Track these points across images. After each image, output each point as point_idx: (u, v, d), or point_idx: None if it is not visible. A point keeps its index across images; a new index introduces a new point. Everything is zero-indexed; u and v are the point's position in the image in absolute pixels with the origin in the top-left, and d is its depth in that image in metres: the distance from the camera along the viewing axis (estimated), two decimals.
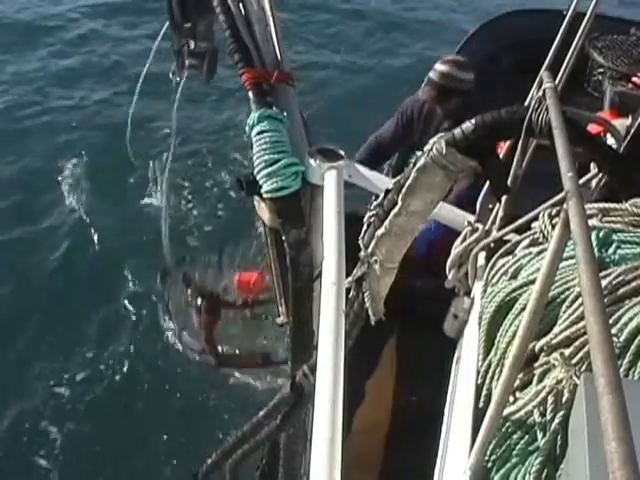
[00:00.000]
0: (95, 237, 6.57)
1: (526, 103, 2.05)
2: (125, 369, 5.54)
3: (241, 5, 2.44)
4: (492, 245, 1.96)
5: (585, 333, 1.36)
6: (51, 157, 7.60)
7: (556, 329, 1.46)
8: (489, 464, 1.40)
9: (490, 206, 2.16)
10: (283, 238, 2.28)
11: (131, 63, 9.24)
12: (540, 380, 1.42)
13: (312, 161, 2.32)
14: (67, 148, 7.77)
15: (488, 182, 2.02)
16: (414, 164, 1.79)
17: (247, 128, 2.29)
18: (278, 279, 2.63)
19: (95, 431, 5.07)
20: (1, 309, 5.81)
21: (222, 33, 2.41)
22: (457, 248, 2.04)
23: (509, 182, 2.01)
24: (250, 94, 2.32)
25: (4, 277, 6.06)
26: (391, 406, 3.68)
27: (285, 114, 2.32)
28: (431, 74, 4.18)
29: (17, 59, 9.44)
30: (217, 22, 2.46)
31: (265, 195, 2.25)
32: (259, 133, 2.25)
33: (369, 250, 1.93)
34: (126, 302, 6.01)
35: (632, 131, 2.07)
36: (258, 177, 2.24)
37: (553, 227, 1.69)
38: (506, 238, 1.90)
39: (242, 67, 2.32)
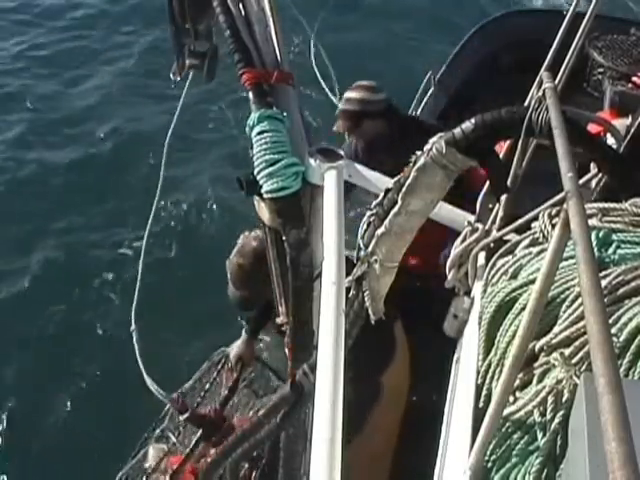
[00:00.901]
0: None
1: (526, 103, 2.05)
2: (127, 365, 5.54)
3: (241, 5, 2.44)
4: (492, 245, 1.96)
5: (585, 333, 1.36)
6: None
7: (556, 329, 1.46)
8: (489, 464, 1.40)
9: (490, 206, 2.16)
10: (283, 238, 2.28)
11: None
12: (540, 380, 1.42)
13: (312, 161, 2.32)
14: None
15: (488, 182, 2.02)
16: (414, 163, 1.79)
17: (247, 129, 2.29)
18: (278, 279, 2.63)
19: (94, 431, 5.07)
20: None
21: (222, 33, 2.41)
22: (457, 248, 2.04)
23: (509, 182, 2.01)
24: (250, 94, 2.32)
25: None
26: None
27: (285, 114, 2.32)
28: (339, 105, 4.08)
29: None
30: (217, 22, 2.46)
31: (265, 195, 2.25)
32: (259, 133, 2.24)
33: (369, 249, 1.93)
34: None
35: (632, 131, 2.07)
36: (258, 177, 2.24)
37: (553, 227, 1.69)
38: (506, 238, 1.90)
39: (242, 67, 2.31)
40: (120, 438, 4.76)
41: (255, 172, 2.25)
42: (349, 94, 4.06)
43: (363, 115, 3.99)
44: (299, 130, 2.43)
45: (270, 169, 2.22)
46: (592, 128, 2.19)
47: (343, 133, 4.11)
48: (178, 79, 3.03)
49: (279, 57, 2.45)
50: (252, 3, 2.44)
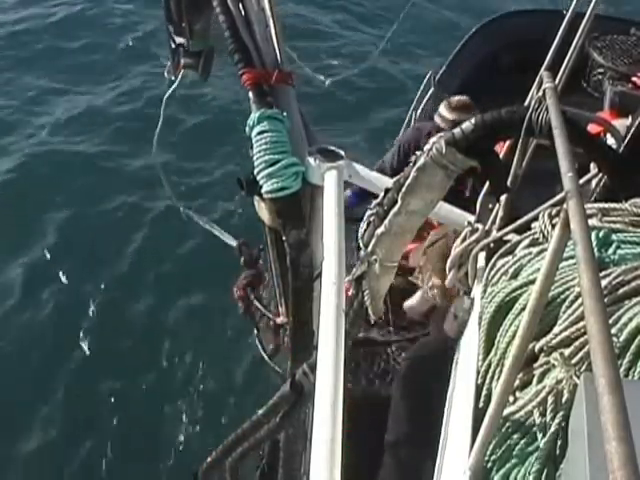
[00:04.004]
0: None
1: (526, 103, 2.05)
2: (130, 366, 5.54)
3: (241, 5, 2.44)
4: (492, 245, 1.96)
5: (585, 333, 1.36)
6: None
7: (556, 329, 1.46)
8: (489, 464, 1.40)
9: (490, 206, 2.15)
10: (283, 238, 2.28)
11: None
12: (540, 380, 1.42)
13: (312, 161, 2.32)
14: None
15: (488, 182, 2.02)
16: (414, 163, 1.79)
17: (247, 128, 2.29)
18: (278, 279, 2.63)
19: (93, 431, 5.07)
20: None
21: (221, 33, 2.41)
22: (457, 248, 2.04)
23: (509, 182, 2.01)
24: (250, 94, 2.32)
25: None
26: None
27: (285, 114, 2.32)
28: (440, 122, 4.02)
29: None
30: (217, 22, 2.46)
31: (265, 195, 2.25)
32: (259, 133, 2.24)
33: (369, 249, 1.93)
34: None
35: (632, 131, 2.07)
36: (258, 177, 2.24)
37: (553, 227, 1.69)
38: (506, 238, 1.90)
39: (242, 67, 2.32)
40: None
41: (255, 172, 2.26)
42: (451, 115, 3.99)
43: None
44: (299, 130, 2.43)
45: (270, 169, 2.22)
46: (592, 128, 2.19)
47: None
48: (173, 78, 3.02)
49: (279, 57, 2.46)
50: (252, 3, 2.44)
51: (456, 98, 4.17)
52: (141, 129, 7.87)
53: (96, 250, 6.50)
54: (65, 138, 7.88)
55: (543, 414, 1.35)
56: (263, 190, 2.24)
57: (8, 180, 7.18)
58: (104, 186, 7.22)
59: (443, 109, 4.11)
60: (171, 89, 3.06)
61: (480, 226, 2.04)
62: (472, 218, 2.21)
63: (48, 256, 6.38)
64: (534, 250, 1.72)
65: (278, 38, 2.48)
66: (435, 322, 3.19)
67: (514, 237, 1.87)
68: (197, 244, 6.28)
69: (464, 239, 2.04)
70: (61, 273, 6.21)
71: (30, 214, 6.78)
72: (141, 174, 7.14)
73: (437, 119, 4.12)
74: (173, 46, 2.94)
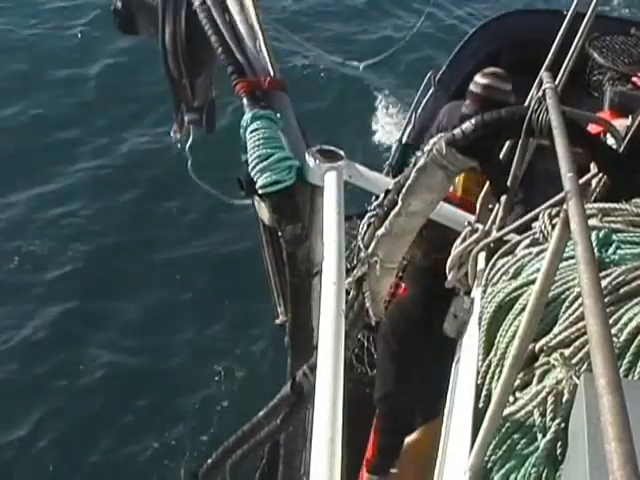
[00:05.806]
0: None
1: (526, 103, 2.05)
2: (133, 366, 5.54)
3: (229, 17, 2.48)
4: (492, 245, 1.96)
5: (585, 333, 1.36)
6: None
7: (556, 329, 1.46)
8: (489, 464, 1.40)
9: (490, 206, 2.15)
10: (279, 234, 2.27)
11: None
12: (540, 380, 1.42)
13: (312, 162, 2.31)
14: None
15: (488, 182, 2.02)
16: (414, 164, 1.79)
17: (241, 130, 2.29)
18: (275, 278, 2.62)
19: (94, 431, 5.07)
20: None
21: (216, 52, 2.43)
22: (457, 248, 2.04)
23: (509, 182, 2.01)
24: (244, 100, 2.33)
25: None
26: None
27: (279, 115, 2.32)
28: (472, 87, 4.07)
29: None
30: (209, 40, 2.47)
31: (260, 191, 2.22)
32: (253, 131, 2.24)
33: (369, 250, 1.93)
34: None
35: (632, 131, 2.07)
36: (252, 173, 2.22)
37: (553, 227, 1.69)
38: (506, 238, 1.90)
39: (235, 78, 2.33)
40: None
41: (249, 169, 2.24)
42: (483, 80, 4.04)
43: (491, 104, 3.91)
44: (295, 132, 2.43)
45: (263, 163, 2.20)
46: (592, 128, 2.19)
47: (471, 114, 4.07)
48: (178, 137, 3.00)
49: (270, 66, 2.48)
50: (240, 19, 2.48)
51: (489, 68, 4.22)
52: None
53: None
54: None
55: (543, 414, 1.35)
56: (257, 185, 2.21)
57: None
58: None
59: (476, 76, 4.11)
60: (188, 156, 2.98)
61: (480, 226, 2.04)
62: (472, 218, 2.21)
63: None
64: (534, 250, 1.72)
65: (268, 50, 2.51)
66: (409, 280, 3.28)
67: (514, 237, 1.88)
68: None
69: (464, 239, 2.04)
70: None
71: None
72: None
73: (471, 86, 4.10)
74: (175, 104, 2.91)
